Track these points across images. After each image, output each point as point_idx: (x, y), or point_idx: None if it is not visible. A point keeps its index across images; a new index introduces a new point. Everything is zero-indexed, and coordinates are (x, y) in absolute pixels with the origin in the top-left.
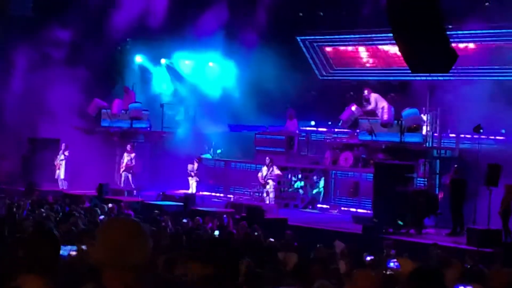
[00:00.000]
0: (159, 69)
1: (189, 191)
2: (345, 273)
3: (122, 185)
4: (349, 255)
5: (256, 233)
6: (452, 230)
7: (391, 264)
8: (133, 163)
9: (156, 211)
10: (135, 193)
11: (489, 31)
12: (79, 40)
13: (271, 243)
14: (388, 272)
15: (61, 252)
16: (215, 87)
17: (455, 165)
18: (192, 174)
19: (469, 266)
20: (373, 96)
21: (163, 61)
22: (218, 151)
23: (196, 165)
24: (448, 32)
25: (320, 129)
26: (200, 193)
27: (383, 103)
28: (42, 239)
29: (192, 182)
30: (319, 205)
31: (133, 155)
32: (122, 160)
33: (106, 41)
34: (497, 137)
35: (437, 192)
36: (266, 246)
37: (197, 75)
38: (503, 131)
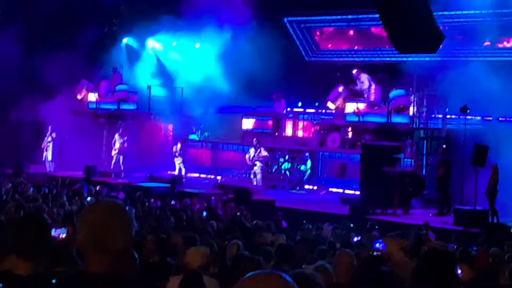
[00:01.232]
0: (146, 50)
1: (175, 172)
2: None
3: (112, 167)
4: (335, 236)
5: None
6: (439, 210)
7: (377, 245)
8: (125, 145)
9: (139, 192)
10: (122, 175)
11: (478, 11)
12: (66, 21)
13: (259, 224)
14: (375, 253)
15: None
16: (202, 69)
17: (443, 146)
18: (176, 154)
19: (455, 247)
20: (363, 76)
21: (150, 42)
22: (206, 133)
23: (179, 145)
24: (435, 13)
25: (307, 110)
26: (188, 174)
27: (372, 84)
28: (32, 223)
29: (178, 163)
30: (306, 186)
31: (125, 138)
32: (113, 142)
33: (93, 22)
34: (484, 118)
35: (424, 173)
36: (253, 227)
37: (184, 57)
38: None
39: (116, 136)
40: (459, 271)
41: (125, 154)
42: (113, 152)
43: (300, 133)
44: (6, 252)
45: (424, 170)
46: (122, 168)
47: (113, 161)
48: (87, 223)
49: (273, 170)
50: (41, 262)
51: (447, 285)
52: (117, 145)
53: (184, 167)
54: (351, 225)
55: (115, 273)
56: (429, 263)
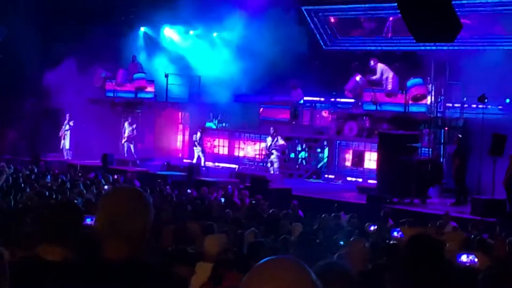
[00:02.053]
0: (163, 39)
1: (194, 161)
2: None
3: (125, 155)
4: (351, 225)
5: (258, 203)
6: (456, 200)
7: (395, 234)
8: (135, 133)
9: (158, 180)
10: (138, 163)
11: (495, 0)
12: (84, 10)
13: (275, 212)
14: (391, 242)
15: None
16: (219, 57)
17: (458, 135)
18: (196, 144)
19: (472, 236)
20: (380, 67)
21: (166, 30)
22: (224, 124)
23: (199, 134)
24: (453, 2)
25: (324, 99)
26: (206, 163)
27: (389, 73)
28: (65, 210)
29: (197, 152)
30: (323, 175)
31: (134, 125)
32: (123, 131)
33: (110, 11)
34: (502, 107)
35: (442, 162)
36: (270, 216)
37: (202, 45)
38: (508, 100)
39: (126, 124)
40: (476, 260)
41: (135, 142)
42: (123, 140)
43: (317, 122)
44: (35, 238)
45: (442, 159)
46: (135, 156)
47: (125, 149)
48: (106, 209)
49: (290, 159)
50: (72, 248)
51: (433, 271)
52: (126, 133)
53: (203, 156)
54: None
55: (133, 259)
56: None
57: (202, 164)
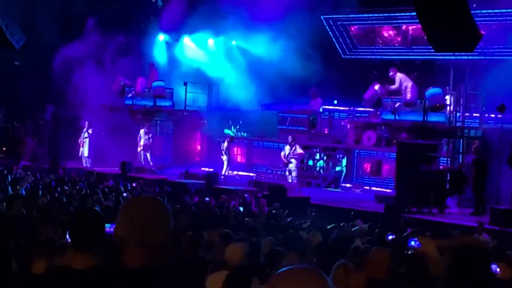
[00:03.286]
0: (183, 47)
1: (223, 171)
2: (363, 251)
3: (143, 163)
4: (370, 233)
5: (276, 211)
6: (475, 209)
7: (412, 243)
8: (151, 142)
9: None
10: (156, 171)
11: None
12: (103, 18)
13: (293, 221)
14: (410, 252)
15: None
16: (238, 66)
17: (474, 145)
18: (223, 152)
19: (492, 246)
20: (399, 76)
21: (186, 39)
22: (244, 134)
23: (226, 144)
24: (472, 11)
25: (343, 108)
26: (229, 172)
27: (408, 83)
28: (88, 217)
29: (224, 161)
30: (341, 184)
31: (150, 134)
32: (139, 139)
33: (130, 19)
34: None
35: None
36: (288, 224)
37: (221, 54)
38: None
39: (141, 132)
40: (498, 270)
41: (151, 150)
42: (139, 149)
43: (335, 131)
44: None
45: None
46: (151, 164)
47: (142, 157)
48: (128, 217)
49: (308, 167)
50: (98, 255)
51: (481, 282)
52: (142, 142)
53: (228, 165)
54: None
55: (153, 267)
56: (461, 260)
57: (226, 173)
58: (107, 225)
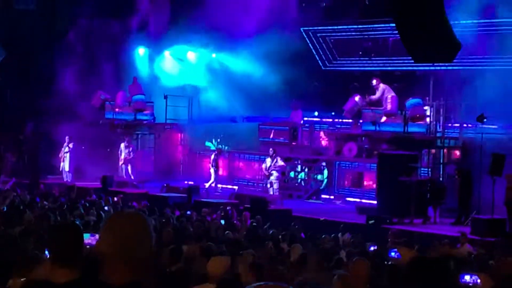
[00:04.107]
0: (163, 60)
1: (209, 183)
2: (346, 263)
3: (124, 177)
4: (352, 245)
5: (258, 224)
6: (457, 219)
7: (392, 254)
8: (131, 155)
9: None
10: (137, 185)
11: (493, 20)
12: (83, 33)
13: (275, 234)
14: (389, 262)
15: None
16: (218, 78)
17: (460, 156)
18: (210, 165)
19: (473, 256)
20: (381, 86)
21: (166, 52)
22: (226, 147)
23: (212, 156)
24: (451, 22)
25: (323, 119)
26: (205, 184)
27: (389, 94)
28: (67, 231)
29: (212, 173)
30: (323, 196)
31: (130, 148)
32: (120, 153)
33: (110, 34)
34: (501, 126)
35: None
36: (269, 237)
37: (201, 67)
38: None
39: (122, 146)
40: (479, 281)
41: (132, 164)
42: (120, 163)
43: (316, 143)
44: (25, 261)
45: (441, 179)
46: (132, 178)
47: (123, 171)
48: (110, 233)
49: (290, 179)
50: (77, 269)
51: None
52: (122, 156)
53: (215, 178)
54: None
55: (137, 283)
56: (428, 270)
57: (212, 185)
58: (86, 236)
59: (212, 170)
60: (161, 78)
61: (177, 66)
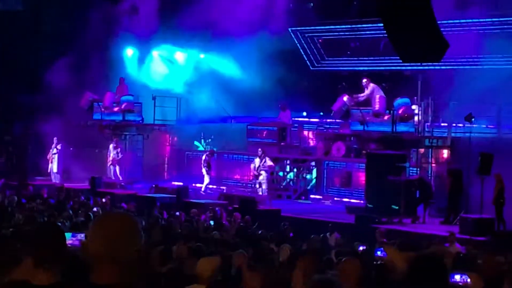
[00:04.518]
0: (151, 61)
1: (204, 184)
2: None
3: (113, 178)
4: (342, 245)
5: (247, 224)
6: (446, 218)
7: (378, 253)
8: (119, 156)
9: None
10: (126, 186)
11: (482, 20)
12: (70, 34)
13: (265, 234)
14: (379, 262)
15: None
16: (206, 79)
17: (450, 156)
18: (202, 165)
19: (461, 255)
20: (371, 86)
21: (155, 53)
22: (215, 148)
23: (204, 157)
24: (439, 21)
25: (312, 119)
26: (193, 185)
27: (378, 94)
28: (48, 231)
29: (205, 174)
30: (311, 196)
31: (118, 149)
32: (108, 154)
33: (98, 34)
34: (489, 126)
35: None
36: (259, 237)
37: (189, 67)
38: (494, 119)
39: (110, 146)
40: (469, 280)
41: (120, 165)
42: (108, 163)
43: (305, 143)
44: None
45: (430, 178)
46: (120, 178)
47: (111, 172)
48: (100, 234)
49: (279, 180)
50: (59, 271)
51: None
52: (111, 156)
53: (208, 179)
54: None
55: (126, 285)
56: (419, 270)
57: (203, 186)
58: (68, 235)
59: (204, 171)
60: (150, 79)
61: (166, 66)
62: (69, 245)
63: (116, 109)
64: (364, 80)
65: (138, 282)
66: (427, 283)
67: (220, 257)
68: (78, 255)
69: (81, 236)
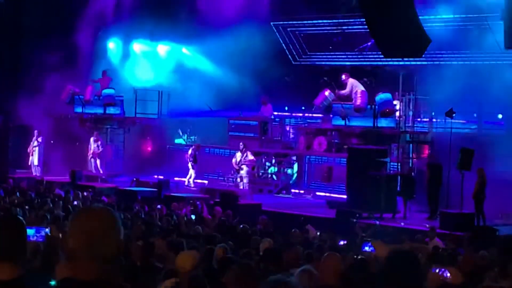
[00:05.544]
0: (132, 54)
1: (187, 178)
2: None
3: (93, 171)
4: (323, 239)
5: (228, 218)
6: (430, 214)
7: (366, 248)
8: (100, 149)
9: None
10: (107, 179)
11: (461, 15)
12: (51, 27)
13: (246, 228)
14: (359, 257)
15: (37, 235)
16: (188, 73)
17: (431, 150)
18: (188, 159)
19: (440, 250)
20: (350, 81)
21: (136, 46)
22: (192, 137)
23: (190, 151)
24: (420, 16)
25: (293, 114)
26: (175, 178)
27: (359, 89)
28: (7, 223)
29: (190, 168)
30: (293, 190)
31: (99, 142)
32: (89, 147)
33: (80, 27)
34: (470, 121)
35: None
36: (240, 231)
37: (171, 60)
38: (475, 115)
39: (91, 140)
40: (448, 274)
41: (101, 158)
42: (89, 157)
43: (286, 137)
44: None
45: (412, 173)
46: (101, 172)
47: (92, 165)
48: (79, 229)
49: (260, 174)
50: (21, 264)
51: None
52: (91, 149)
53: (194, 173)
54: None
55: (106, 280)
56: (392, 264)
57: (191, 180)
58: (31, 232)
59: (190, 165)
60: (131, 72)
61: (147, 60)
62: (34, 240)
63: (97, 102)
64: (343, 76)
65: (117, 277)
66: (400, 277)
67: (200, 251)
68: (41, 250)
69: (45, 231)
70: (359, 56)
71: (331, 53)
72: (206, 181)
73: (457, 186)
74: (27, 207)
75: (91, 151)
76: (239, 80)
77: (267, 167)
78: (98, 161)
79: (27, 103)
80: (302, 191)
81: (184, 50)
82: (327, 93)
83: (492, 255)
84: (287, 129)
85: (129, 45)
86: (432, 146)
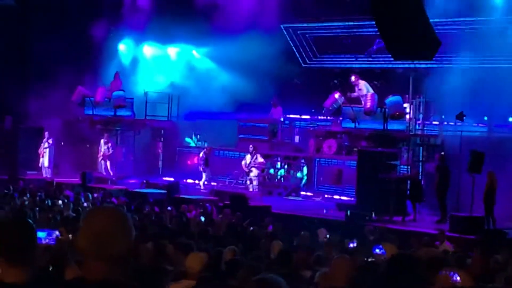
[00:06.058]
0: (143, 56)
1: (201, 181)
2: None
3: (104, 173)
4: (332, 242)
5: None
6: (441, 217)
7: (377, 251)
8: (110, 151)
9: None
10: (117, 181)
11: (473, 18)
12: (62, 29)
13: (255, 230)
14: (369, 259)
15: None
16: (198, 75)
17: (441, 153)
18: (200, 162)
19: (450, 253)
20: (361, 83)
21: (146, 48)
22: (205, 143)
23: (201, 154)
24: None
25: (303, 116)
26: (184, 180)
27: (369, 91)
28: (16, 225)
29: (202, 171)
30: (302, 193)
31: (109, 144)
32: (99, 149)
33: (91, 29)
34: (480, 124)
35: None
36: (250, 234)
37: (181, 63)
38: (485, 118)
39: (102, 142)
40: (458, 278)
41: (111, 159)
42: (99, 158)
43: (296, 140)
44: None
45: (420, 176)
46: (111, 174)
47: (102, 167)
48: (90, 230)
49: (269, 176)
50: (31, 267)
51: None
52: (102, 151)
53: (205, 175)
54: None
55: (115, 281)
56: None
57: (205, 183)
58: (42, 235)
59: (201, 168)
60: (141, 74)
61: (158, 62)
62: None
63: (107, 104)
64: (353, 78)
65: (127, 278)
66: (401, 280)
67: (209, 253)
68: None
69: (57, 234)
70: (369, 59)
71: (341, 55)
72: (215, 183)
73: (468, 189)
74: (37, 208)
75: (101, 153)
76: (249, 82)
77: (276, 170)
78: (108, 163)
79: (37, 105)
80: (311, 194)
81: (194, 52)
82: (337, 95)
83: (503, 258)
84: (297, 131)
85: (140, 47)
86: (443, 149)
